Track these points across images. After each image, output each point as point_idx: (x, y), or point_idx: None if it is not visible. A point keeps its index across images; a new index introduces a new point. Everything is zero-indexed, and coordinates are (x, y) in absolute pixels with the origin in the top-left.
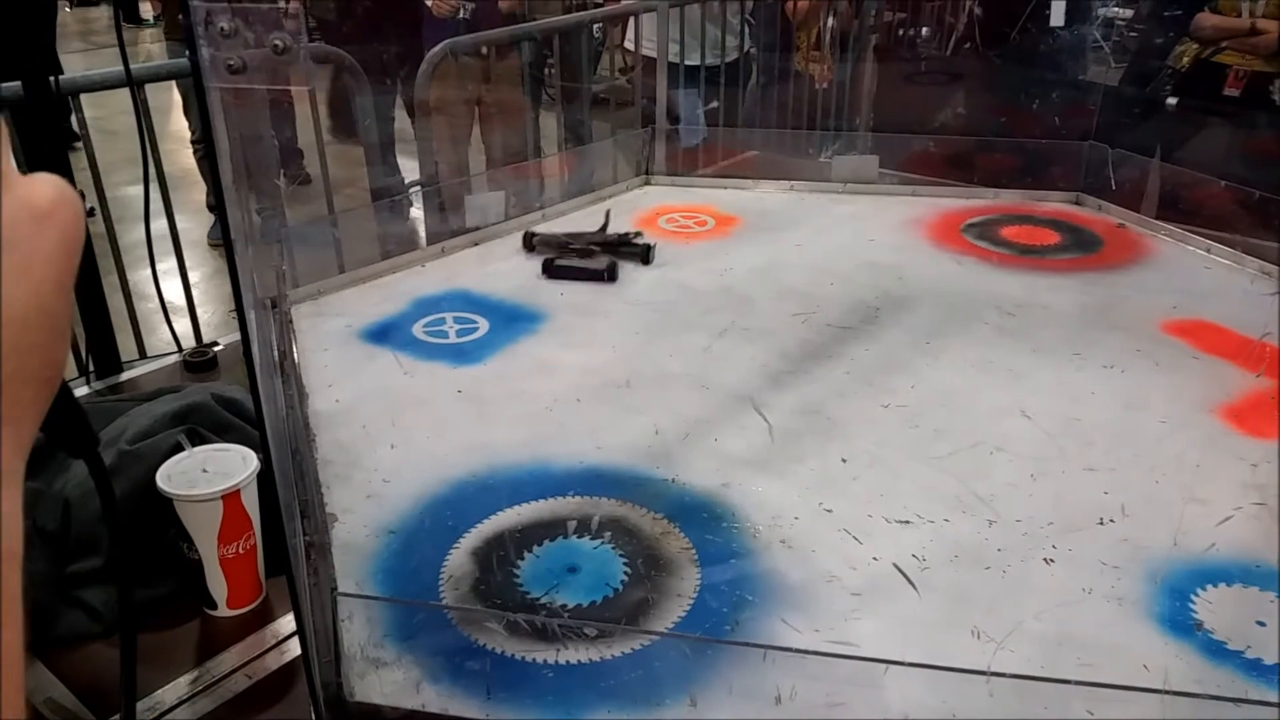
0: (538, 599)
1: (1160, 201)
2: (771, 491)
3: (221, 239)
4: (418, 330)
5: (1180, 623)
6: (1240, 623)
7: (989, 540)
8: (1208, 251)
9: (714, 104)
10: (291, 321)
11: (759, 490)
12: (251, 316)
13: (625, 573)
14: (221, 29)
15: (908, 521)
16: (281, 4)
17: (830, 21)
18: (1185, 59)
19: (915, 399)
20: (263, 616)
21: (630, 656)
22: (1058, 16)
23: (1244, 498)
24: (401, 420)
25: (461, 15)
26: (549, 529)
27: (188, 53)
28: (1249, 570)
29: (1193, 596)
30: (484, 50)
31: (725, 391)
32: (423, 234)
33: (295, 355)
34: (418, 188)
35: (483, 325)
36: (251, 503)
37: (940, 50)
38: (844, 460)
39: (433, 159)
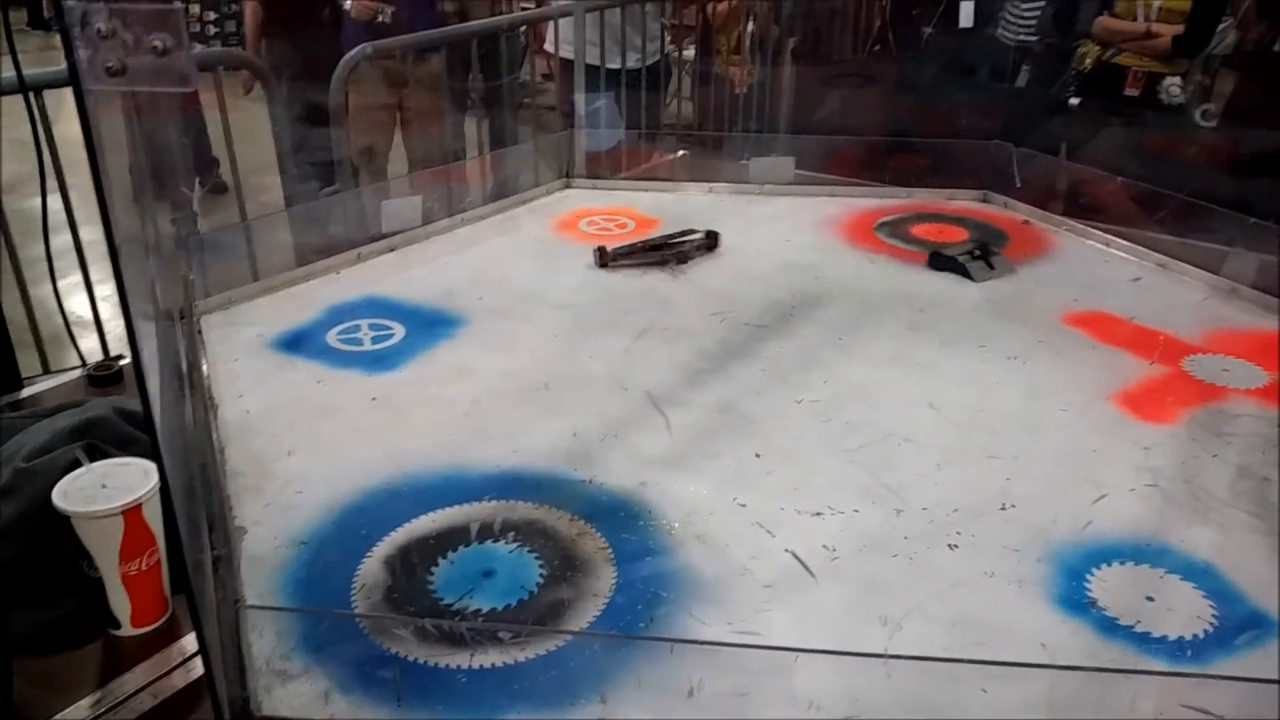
0: (452, 605)
1: (1063, 198)
2: (687, 488)
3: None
4: (332, 338)
5: (1076, 601)
6: (1132, 599)
7: (896, 529)
8: (1107, 245)
9: (610, 110)
10: (201, 332)
11: (675, 488)
12: (144, 326)
13: (541, 575)
14: (99, 30)
15: (819, 513)
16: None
17: (749, 26)
18: (1087, 61)
19: (828, 394)
20: (168, 634)
21: (544, 658)
22: (966, 19)
23: (1137, 480)
24: (314, 430)
25: (380, 19)
26: (464, 534)
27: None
28: (1140, 549)
29: (1088, 576)
30: (400, 54)
31: (644, 391)
32: (339, 240)
33: (204, 366)
34: (333, 193)
35: (399, 331)
36: (154, 517)
37: (855, 54)
38: (758, 455)
39: (350, 164)
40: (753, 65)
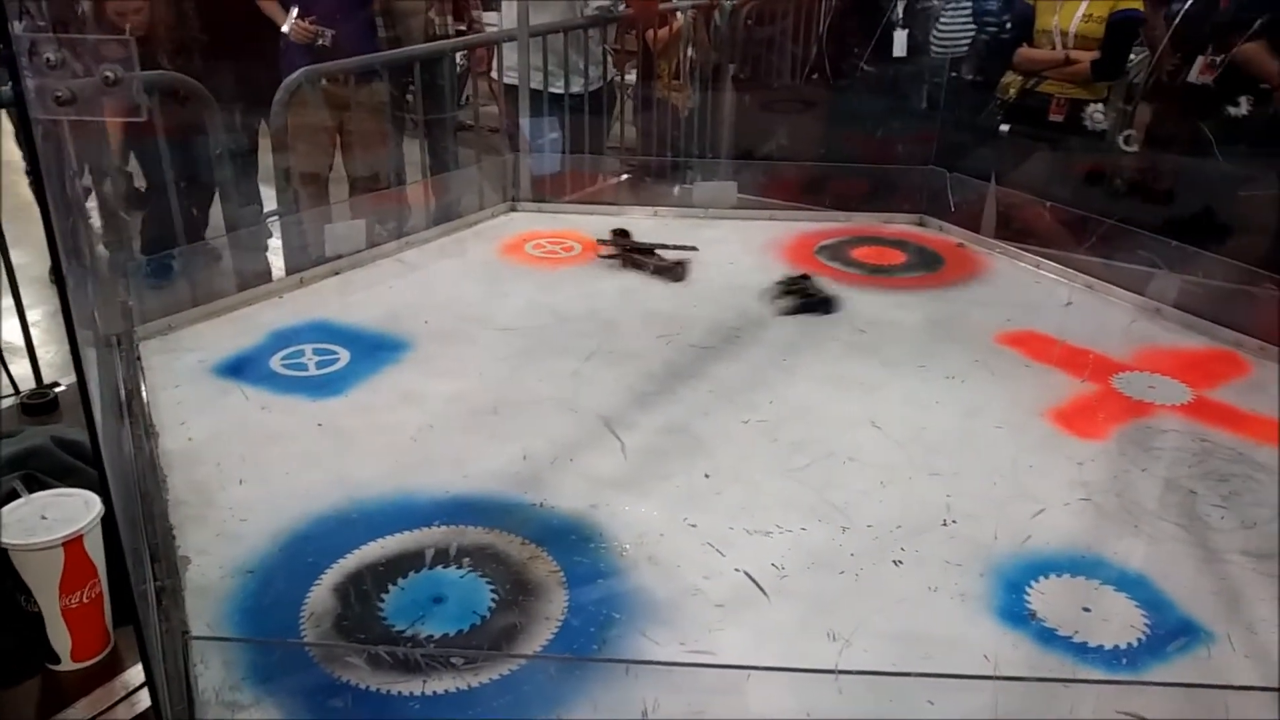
0: (403, 631)
1: (995, 222)
2: (638, 510)
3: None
4: (275, 363)
5: (1016, 613)
6: (1069, 610)
7: (843, 546)
8: (1037, 267)
9: (554, 134)
10: (140, 358)
11: (626, 509)
12: (90, 354)
13: (493, 599)
14: (48, 59)
15: (768, 532)
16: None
17: (690, 52)
18: (1012, 90)
19: (774, 414)
20: (111, 668)
21: (498, 682)
22: (900, 48)
23: (1071, 494)
24: (258, 457)
25: (321, 42)
26: (414, 561)
27: (10, 83)
28: (1076, 561)
29: (1027, 589)
30: (342, 78)
31: (593, 414)
32: (280, 264)
33: (144, 393)
34: (275, 217)
35: (344, 356)
36: (96, 549)
37: (793, 80)
38: (707, 476)
39: (291, 188)
40: (691, 90)
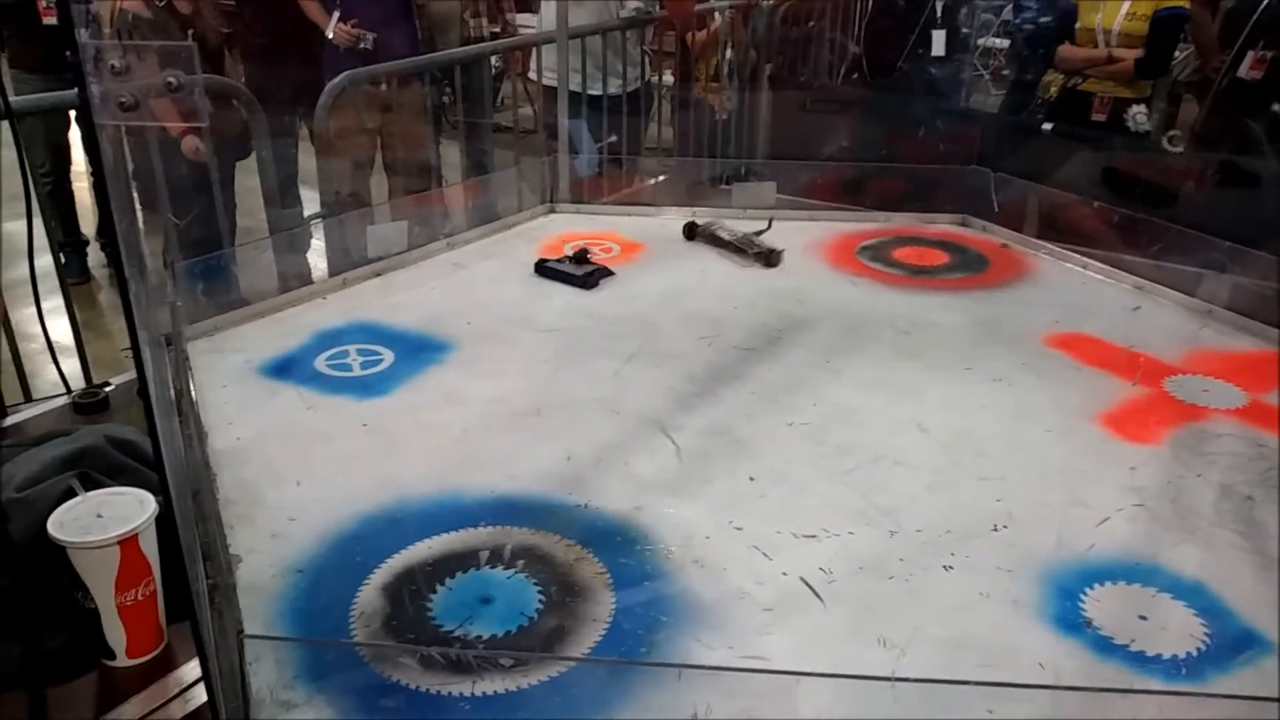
0: (451, 632)
1: (1040, 222)
2: (683, 512)
3: (80, 277)
4: (320, 364)
5: (1071, 621)
6: (1125, 618)
7: (891, 550)
8: (1084, 269)
9: (613, 137)
10: (188, 358)
11: (671, 512)
12: (148, 354)
13: (540, 601)
14: (113, 66)
15: (814, 536)
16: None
17: (728, 53)
18: (1053, 88)
19: (818, 416)
20: (165, 664)
21: (547, 684)
22: (939, 47)
23: (1124, 500)
24: (305, 456)
25: (363, 45)
26: (461, 561)
27: (76, 89)
28: (1131, 568)
29: (1081, 596)
30: (383, 82)
31: (635, 416)
32: (324, 266)
33: (193, 393)
34: (318, 219)
35: (387, 357)
36: (150, 547)
37: (831, 80)
38: (752, 479)
39: (334, 190)
40: (729, 91)
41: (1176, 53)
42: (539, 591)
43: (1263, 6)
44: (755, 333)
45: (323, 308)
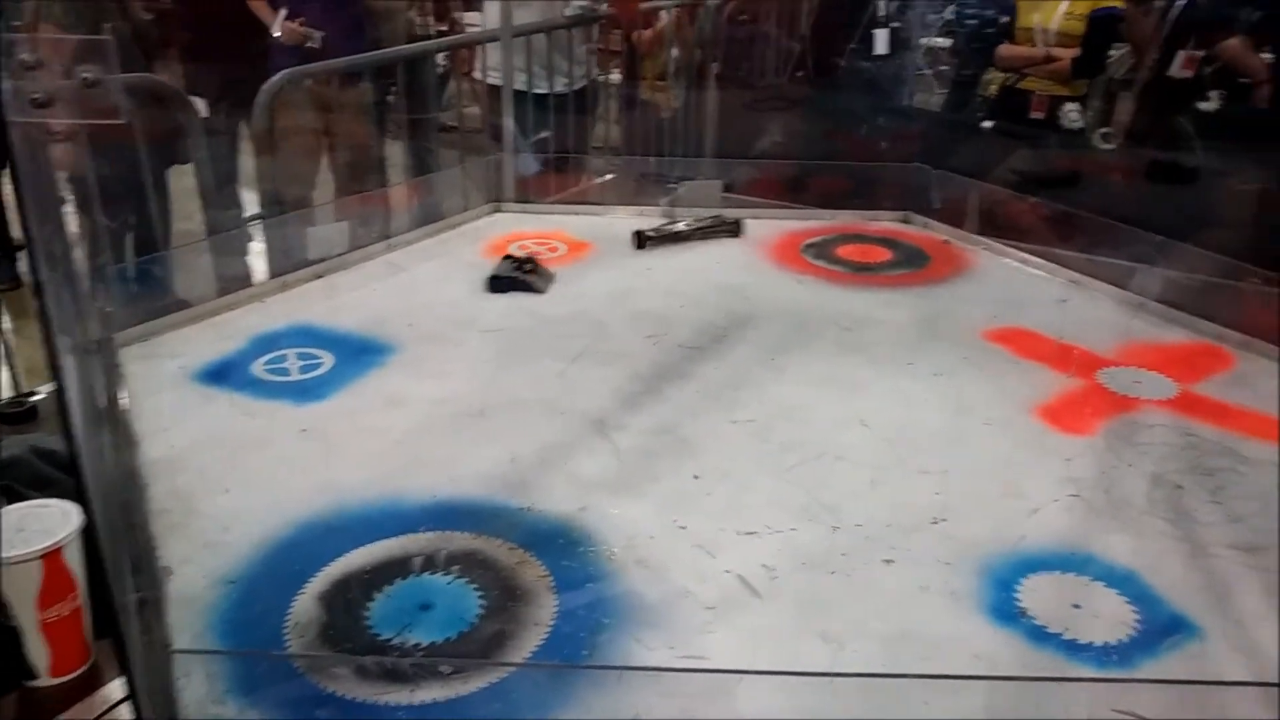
0: (389, 640)
1: (979, 218)
2: (627, 512)
3: (10, 283)
4: (258, 369)
5: (1007, 612)
6: (1059, 607)
7: (833, 546)
8: (1022, 264)
9: (545, 134)
10: (119, 365)
11: (615, 512)
12: (69, 361)
13: (481, 606)
14: (24, 60)
15: (757, 533)
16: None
17: (674, 51)
18: (993, 87)
19: (762, 414)
20: (91, 682)
21: (487, 690)
22: (882, 46)
23: (1060, 491)
24: (241, 464)
25: (310, 44)
26: (400, 567)
27: None
28: (1066, 558)
29: (1017, 586)
30: (326, 79)
31: (580, 416)
32: (263, 268)
33: (124, 400)
34: (257, 221)
35: (328, 360)
36: (75, 561)
37: (776, 79)
38: (696, 477)
39: (274, 190)
40: (676, 90)
41: (1112, 52)
42: (480, 596)
43: (1183, 5)
44: (701, 331)
45: (261, 311)
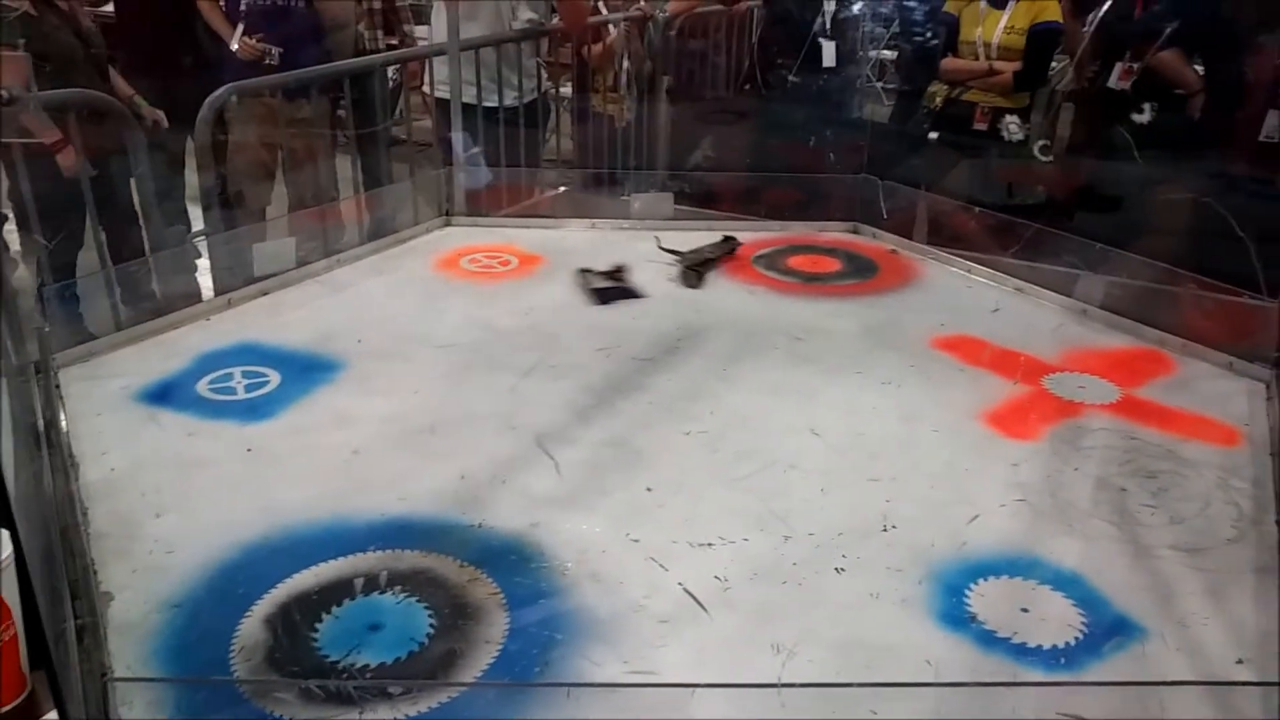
0: (338, 662)
1: (926, 228)
2: (579, 527)
3: None
4: (202, 388)
5: (956, 617)
6: (1008, 612)
7: (785, 555)
8: (968, 272)
9: (475, 149)
10: (59, 386)
11: (567, 527)
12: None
13: (431, 625)
14: None
15: (711, 544)
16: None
17: (625, 64)
18: (938, 99)
19: (715, 424)
20: (27, 713)
21: (436, 710)
22: (829, 58)
23: (1007, 496)
24: (185, 485)
25: (268, 61)
26: (349, 588)
27: None
28: (1014, 562)
29: (967, 592)
30: (270, 93)
31: (533, 431)
32: (208, 285)
33: (63, 422)
34: (202, 237)
35: (274, 378)
36: (10, 589)
37: (726, 92)
38: (649, 489)
39: (219, 206)
40: (628, 102)
41: (1054, 64)
42: (430, 615)
43: (1099, 18)
44: (654, 342)
45: (206, 329)
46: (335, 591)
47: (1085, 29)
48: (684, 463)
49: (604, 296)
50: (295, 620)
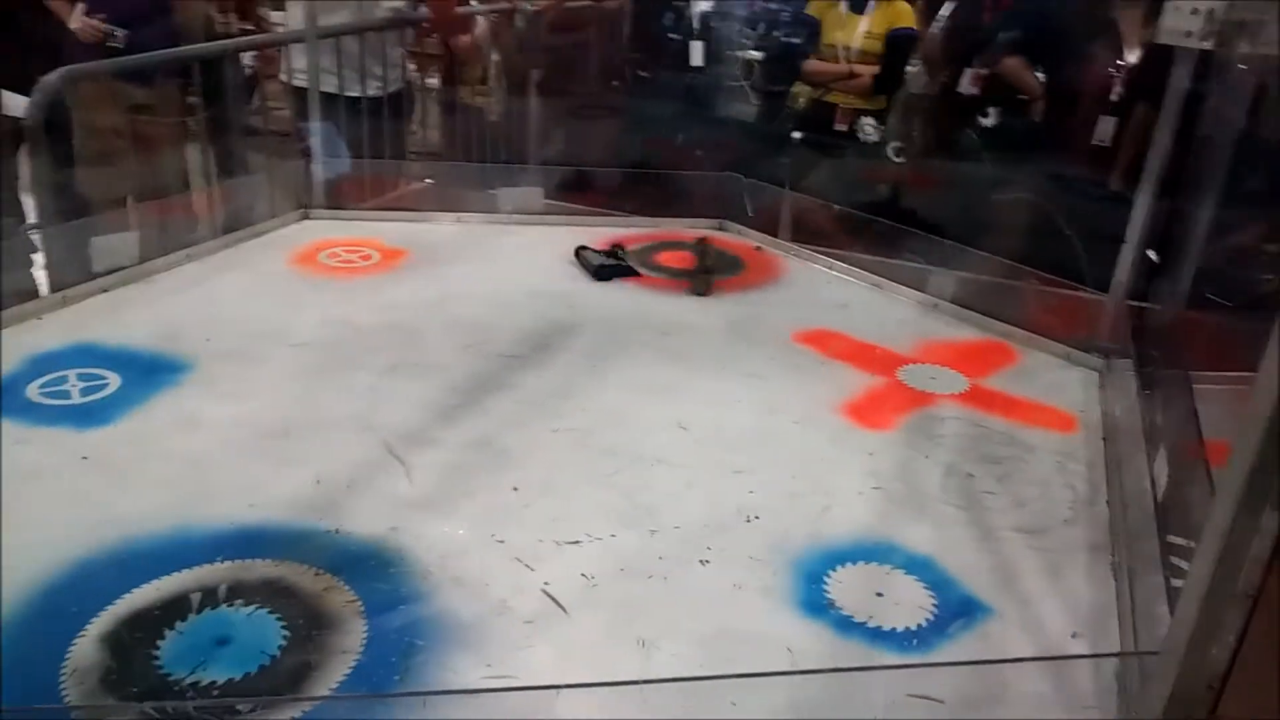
0: (182, 680)
1: (790, 225)
2: (442, 530)
3: None
4: (33, 392)
5: (816, 604)
6: (864, 597)
7: (651, 550)
8: (829, 268)
9: (305, 143)
10: None
11: (430, 530)
12: None
13: (284, 637)
14: None
15: (578, 542)
16: None
17: (494, 57)
18: (801, 100)
19: (583, 421)
20: None
21: None
22: (697, 58)
23: (864, 484)
24: (12, 498)
25: (112, 43)
26: (195, 601)
27: None
28: (870, 548)
29: (826, 579)
30: (127, 78)
31: (393, 432)
32: (42, 282)
33: None
34: (35, 230)
35: (114, 381)
36: None
37: (596, 87)
38: (515, 489)
39: (55, 197)
40: (497, 95)
41: (912, 68)
42: (283, 627)
43: (942, 26)
44: (522, 339)
45: (38, 330)
46: (180, 605)
47: (932, 32)
48: (552, 461)
49: (602, 274)
50: (135, 638)
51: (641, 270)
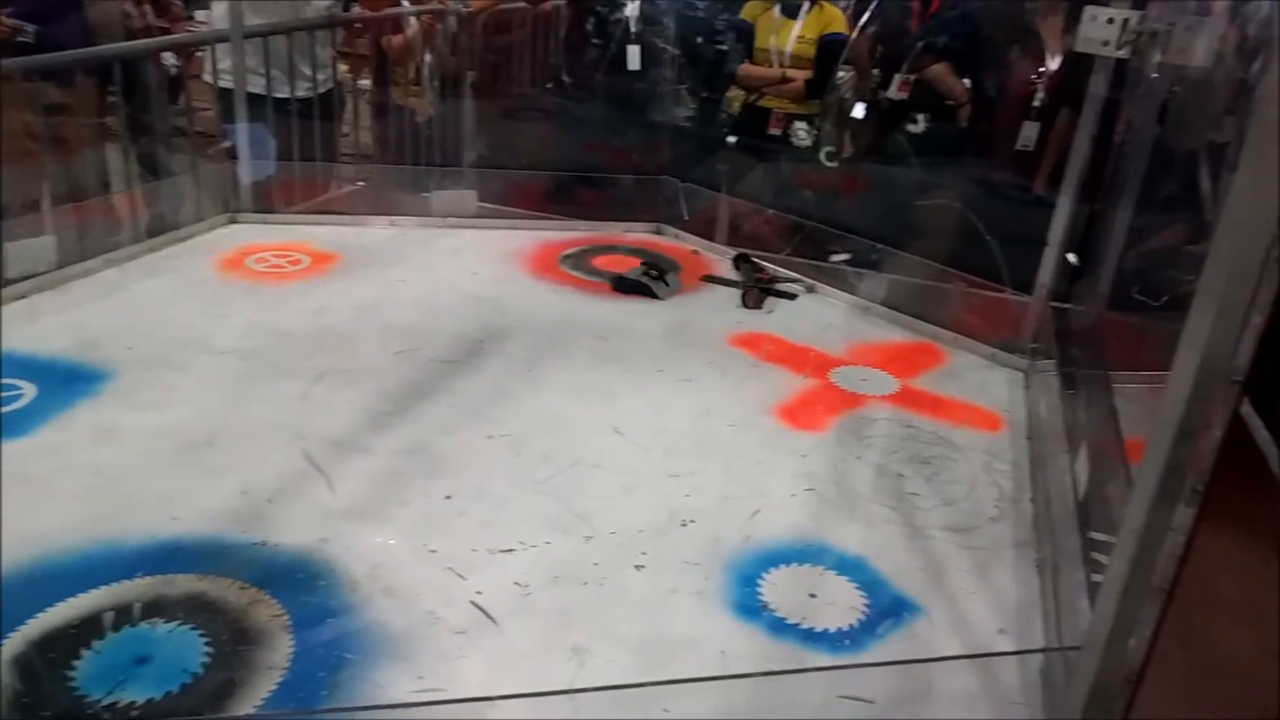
0: (99, 701)
1: (725, 228)
2: (373, 540)
3: None
4: None
5: (750, 606)
6: (797, 598)
7: (586, 556)
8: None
9: (227, 143)
10: None
11: (360, 541)
12: None
13: (207, 653)
14: None
15: (512, 549)
16: None
17: (427, 58)
18: (736, 104)
19: (519, 427)
20: None
21: None
22: (634, 61)
23: (797, 486)
24: None
25: (22, 38)
26: (112, 618)
27: None
28: (803, 550)
29: (759, 581)
30: (21, 77)
31: (323, 440)
32: None
33: None
34: None
35: (29, 391)
36: None
37: (531, 90)
38: (448, 497)
39: None
40: (430, 96)
41: (843, 74)
42: (206, 643)
43: (905, 37)
44: (456, 344)
45: None
46: (97, 623)
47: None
48: (486, 467)
49: (623, 286)
50: (48, 659)
51: (665, 296)
